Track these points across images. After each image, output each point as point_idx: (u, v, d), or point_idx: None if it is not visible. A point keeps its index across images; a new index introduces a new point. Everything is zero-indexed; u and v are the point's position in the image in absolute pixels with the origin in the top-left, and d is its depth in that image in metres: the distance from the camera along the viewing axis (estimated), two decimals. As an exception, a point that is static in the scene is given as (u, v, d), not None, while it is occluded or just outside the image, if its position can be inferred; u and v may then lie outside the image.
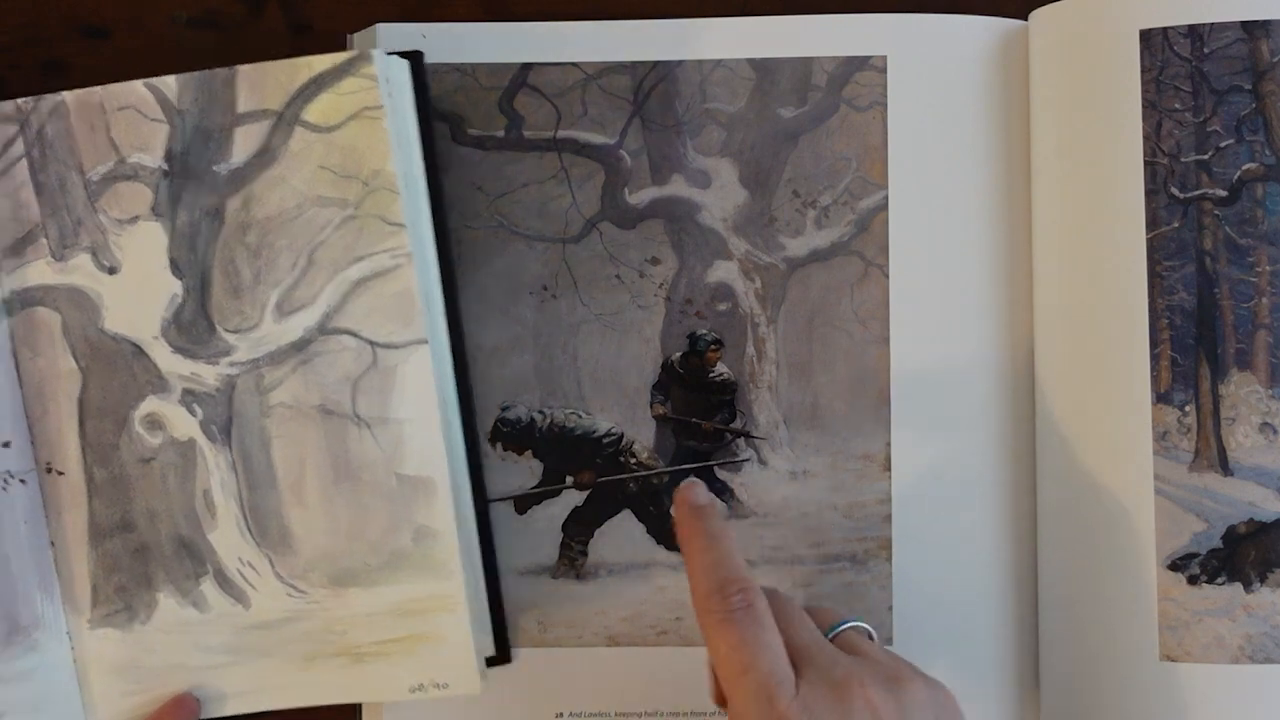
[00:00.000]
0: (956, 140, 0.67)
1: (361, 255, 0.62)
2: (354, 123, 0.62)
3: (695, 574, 0.58)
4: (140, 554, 0.64)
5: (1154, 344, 0.64)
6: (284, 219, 0.62)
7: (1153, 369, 0.64)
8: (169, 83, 0.62)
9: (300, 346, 0.63)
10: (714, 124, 0.68)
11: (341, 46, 0.69)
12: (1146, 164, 0.65)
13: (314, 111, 0.62)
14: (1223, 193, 0.65)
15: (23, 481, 0.64)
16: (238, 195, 0.63)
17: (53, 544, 0.64)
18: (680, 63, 0.68)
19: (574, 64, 0.68)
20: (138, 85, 0.62)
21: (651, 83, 0.68)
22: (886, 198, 0.67)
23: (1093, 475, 0.65)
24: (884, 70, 0.67)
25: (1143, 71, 0.65)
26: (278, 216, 0.63)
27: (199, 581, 0.64)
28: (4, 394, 0.64)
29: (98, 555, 0.64)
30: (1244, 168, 0.65)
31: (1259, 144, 0.64)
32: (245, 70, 0.62)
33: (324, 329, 0.63)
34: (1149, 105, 0.65)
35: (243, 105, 0.62)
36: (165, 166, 0.63)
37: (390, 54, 0.63)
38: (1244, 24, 0.64)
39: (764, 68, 0.68)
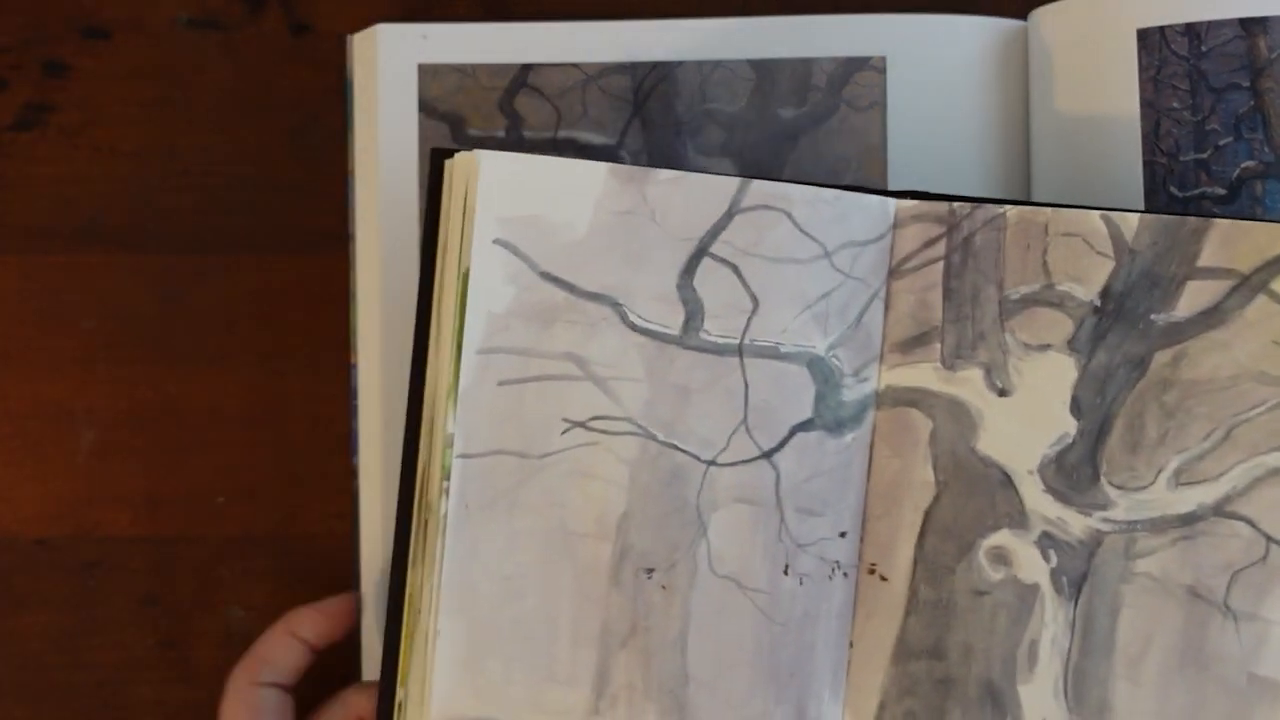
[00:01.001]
0: (955, 140, 0.67)
1: None
2: None
3: None
4: (942, 686, 0.60)
5: (1155, 343, 0.65)
6: (1213, 386, 0.57)
7: (1155, 368, 0.65)
8: (1129, 219, 0.58)
9: (1188, 521, 0.57)
10: (714, 124, 0.68)
11: (342, 47, 0.69)
12: (1146, 163, 0.65)
13: None
14: (1222, 191, 0.65)
15: (845, 575, 0.61)
16: (1169, 350, 0.57)
17: (851, 645, 0.61)
18: (680, 63, 0.68)
19: (574, 64, 0.68)
20: (1094, 215, 0.58)
21: (651, 83, 0.68)
22: (884, 199, 0.67)
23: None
24: (883, 71, 0.67)
25: (1140, 71, 0.65)
26: (1207, 382, 0.57)
27: None
28: (854, 485, 0.61)
29: (895, 673, 0.60)
30: (1243, 165, 0.65)
31: (1258, 141, 0.64)
32: (1221, 225, 0.57)
33: (1220, 510, 0.57)
34: (1147, 105, 0.65)
35: (1205, 259, 0.57)
36: (1098, 303, 0.58)
37: None
38: (1241, 21, 0.64)
39: (763, 68, 0.68)
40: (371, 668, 0.67)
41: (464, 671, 0.58)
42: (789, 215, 0.58)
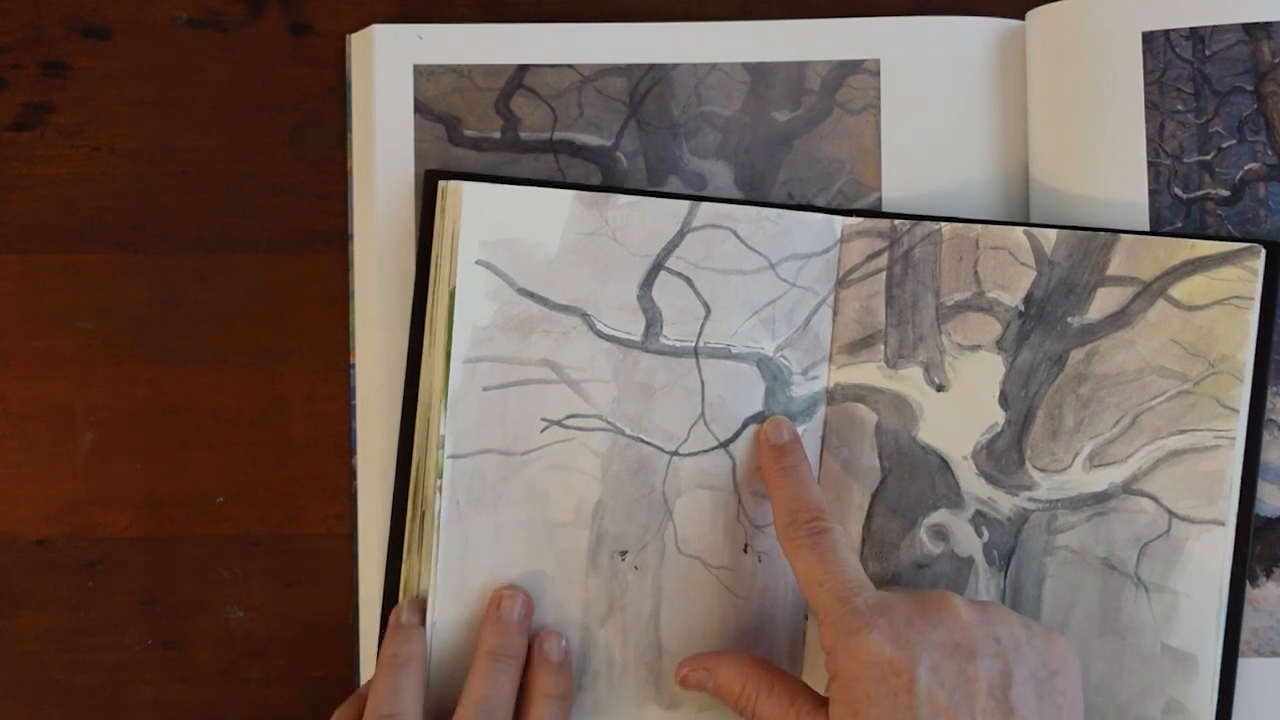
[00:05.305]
0: (949, 141, 0.67)
1: (1185, 429, 0.64)
2: (1218, 307, 0.63)
3: (775, 508, 0.62)
4: None
5: (1157, 346, 0.65)
6: (1120, 379, 0.64)
7: (1156, 371, 0.65)
8: (1049, 234, 0.64)
9: (1100, 499, 0.65)
10: (709, 127, 0.68)
11: (342, 47, 0.69)
12: (1150, 165, 0.65)
13: (1182, 289, 0.64)
14: (1225, 193, 0.65)
15: None
16: (1083, 348, 0.64)
17: (807, 617, 0.67)
18: (676, 66, 0.68)
19: (570, 66, 0.68)
20: (1018, 231, 0.65)
21: (647, 85, 0.68)
22: (880, 199, 0.67)
23: (1094, 478, 0.66)
24: (877, 74, 0.67)
25: (1145, 73, 0.65)
26: (1115, 376, 0.64)
27: None
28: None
29: None
30: (1246, 168, 0.65)
31: (1260, 144, 0.65)
32: (1127, 240, 0.64)
33: (1128, 488, 0.64)
34: (1151, 107, 0.65)
35: (1113, 269, 0.64)
36: (1021, 308, 0.65)
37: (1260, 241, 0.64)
38: (1245, 26, 0.64)
39: (758, 71, 0.68)
40: (368, 658, 0.67)
41: (458, 657, 0.63)
42: (734, 232, 0.64)
